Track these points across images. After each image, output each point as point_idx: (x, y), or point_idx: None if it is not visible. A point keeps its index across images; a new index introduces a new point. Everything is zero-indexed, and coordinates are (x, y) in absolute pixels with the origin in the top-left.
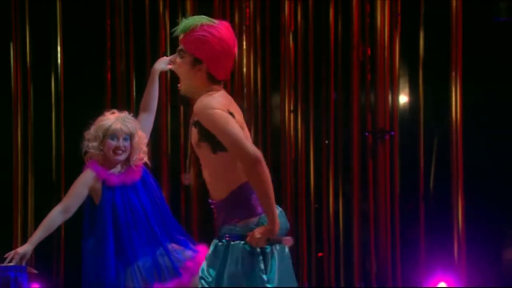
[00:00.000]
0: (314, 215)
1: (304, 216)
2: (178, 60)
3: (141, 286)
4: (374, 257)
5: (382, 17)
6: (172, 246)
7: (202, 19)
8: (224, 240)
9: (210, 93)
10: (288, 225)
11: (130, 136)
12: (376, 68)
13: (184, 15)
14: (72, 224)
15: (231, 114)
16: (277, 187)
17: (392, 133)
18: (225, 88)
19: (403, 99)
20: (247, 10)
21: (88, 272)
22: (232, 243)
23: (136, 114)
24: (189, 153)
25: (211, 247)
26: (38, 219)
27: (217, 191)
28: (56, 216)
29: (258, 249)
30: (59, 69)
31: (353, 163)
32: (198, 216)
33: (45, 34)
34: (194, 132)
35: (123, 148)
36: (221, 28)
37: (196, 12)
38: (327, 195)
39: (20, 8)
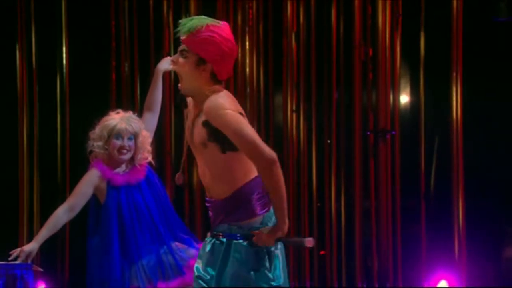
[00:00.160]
0: (316, 213)
1: (306, 214)
2: (181, 60)
3: (145, 284)
4: (375, 255)
5: (384, 18)
6: (176, 245)
7: (206, 20)
8: (223, 239)
9: (218, 93)
10: None
11: (134, 136)
12: (378, 68)
13: (188, 16)
14: (77, 223)
15: (241, 114)
16: None
17: (393, 132)
18: (228, 88)
19: (404, 98)
20: (250, 11)
21: (93, 271)
22: (234, 242)
23: (140, 114)
24: (185, 153)
25: (207, 246)
26: (44, 218)
27: (218, 191)
28: (61, 215)
29: (264, 249)
30: (64, 69)
31: (354, 162)
32: (201, 215)
33: (51, 34)
34: (201, 132)
35: (127, 148)
36: (226, 29)
37: (200, 12)
38: (329, 194)
39: (26, 9)
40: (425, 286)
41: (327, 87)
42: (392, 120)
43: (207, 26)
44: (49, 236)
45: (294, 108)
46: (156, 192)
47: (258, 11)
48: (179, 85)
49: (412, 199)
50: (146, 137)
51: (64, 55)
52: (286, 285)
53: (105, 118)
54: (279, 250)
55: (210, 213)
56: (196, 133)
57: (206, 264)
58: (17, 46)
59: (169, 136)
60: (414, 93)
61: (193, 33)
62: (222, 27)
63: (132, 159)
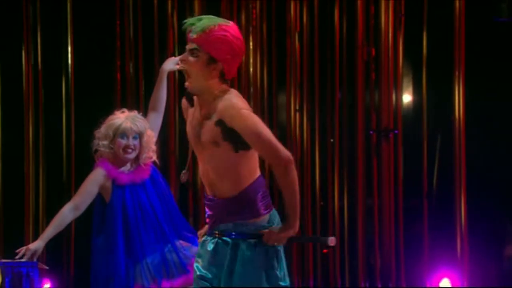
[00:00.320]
0: (320, 212)
1: (310, 213)
2: (191, 59)
3: (150, 282)
4: (378, 253)
5: (386, 18)
6: (180, 243)
7: (217, 19)
8: (228, 239)
9: (230, 93)
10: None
11: (139, 135)
12: (380, 68)
13: (192, 16)
14: (82, 221)
15: None
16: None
17: (396, 131)
18: (232, 87)
19: (407, 98)
20: (254, 11)
21: (98, 269)
22: (242, 241)
23: (145, 113)
24: (190, 151)
25: (209, 245)
26: (49, 217)
27: (224, 189)
28: (66, 214)
29: (272, 248)
30: (69, 69)
31: (357, 161)
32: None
33: (56, 34)
34: (213, 131)
35: (132, 147)
36: (236, 28)
37: (204, 12)
38: (332, 193)
39: (32, 8)
40: (428, 284)
41: (330, 86)
42: (395, 120)
43: (219, 25)
44: (54, 234)
45: (297, 107)
46: (160, 191)
47: (261, 11)
48: (187, 83)
49: (414, 198)
50: (151, 136)
51: (69, 55)
52: (291, 286)
53: (111, 117)
54: (281, 249)
55: (209, 211)
56: (207, 132)
57: (209, 263)
58: (23, 46)
59: (174, 136)
60: (416, 92)
61: (206, 32)
62: (233, 27)
63: (137, 158)
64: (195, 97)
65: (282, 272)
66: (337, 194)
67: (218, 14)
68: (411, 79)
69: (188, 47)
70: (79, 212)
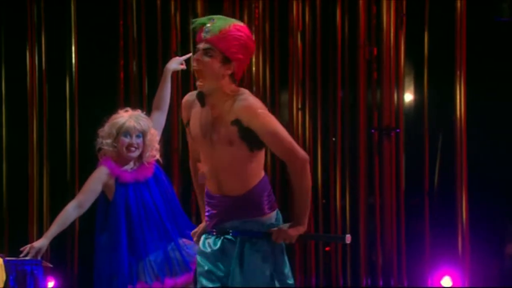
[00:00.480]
0: (322, 210)
1: (312, 211)
2: (206, 59)
3: (152, 280)
4: (380, 251)
5: (388, 18)
6: (183, 241)
7: (231, 19)
8: (235, 236)
9: (243, 93)
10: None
11: (143, 134)
12: (382, 67)
13: (195, 16)
14: (86, 219)
15: None
16: (285, 184)
17: (398, 130)
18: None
19: (408, 97)
20: (256, 11)
21: (101, 266)
22: (250, 239)
23: (148, 112)
24: (192, 152)
25: (216, 243)
26: (53, 215)
27: (234, 187)
28: (70, 212)
29: (280, 246)
30: (73, 69)
31: (359, 159)
32: None
33: (60, 34)
34: (228, 130)
35: (136, 145)
36: (248, 29)
37: (207, 12)
38: (334, 191)
39: (36, 9)
40: (429, 282)
41: (332, 85)
42: (397, 118)
43: (234, 25)
44: (58, 232)
45: (299, 106)
46: (163, 189)
47: (264, 10)
48: (199, 83)
49: (416, 196)
50: (154, 135)
51: (73, 55)
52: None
53: (114, 116)
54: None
55: (212, 210)
56: (221, 132)
57: (216, 260)
58: (27, 46)
59: (177, 134)
60: (418, 91)
61: (222, 32)
62: (245, 27)
63: (140, 156)
64: (191, 97)
65: (287, 269)
66: (339, 192)
67: (220, 13)
68: (413, 78)
69: (201, 46)
70: (82, 210)
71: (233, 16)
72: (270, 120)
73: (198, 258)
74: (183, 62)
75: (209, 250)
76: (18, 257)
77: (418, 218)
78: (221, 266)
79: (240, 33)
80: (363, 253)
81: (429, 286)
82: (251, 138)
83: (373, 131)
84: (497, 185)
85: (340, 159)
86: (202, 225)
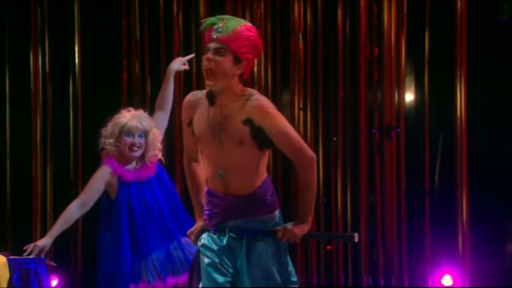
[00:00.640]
0: (323, 209)
1: (313, 210)
2: (218, 58)
3: (155, 279)
4: (381, 250)
5: (389, 18)
6: (186, 240)
7: (241, 19)
8: (241, 235)
9: (254, 92)
10: None
11: (145, 133)
12: (383, 67)
13: (197, 17)
14: (89, 218)
15: None
16: (287, 183)
17: (398, 130)
18: None
19: (409, 97)
20: (258, 11)
21: (104, 265)
22: (256, 237)
23: (151, 112)
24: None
25: (221, 241)
26: (57, 214)
27: (241, 186)
28: (73, 211)
29: (284, 244)
30: (76, 69)
31: (360, 159)
32: None
33: (63, 35)
34: (240, 130)
35: (138, 145)
36: (256, 29)
37: (209, 13)
38: (336, 190)
39: (40, 9)
40: (430, 281)
41: (334, 85)
42: (397, 118)
43: (244, 25)
44: (62, 231)
45: (301, 106)
46: (166, 188)
47: (266, 11)
48: (210, 83)
49: (416, 196)
50: (157, 134)
51: (76, 55)
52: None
53: (117, 116)
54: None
55: (215, 209)
56: (232, 131)
57: (224, 256)
58: (31, 47)
59: (179, 134)
60: (418, 91)
61: (235, 32)
62: (254, 27)
63: (142, 156)
64: (193, 97)
65: (291, 267)
66: (340, 191)
67: (222, 14)
68: (413, 78)
69: (213, 46)
70: (86, 209)
71: (234, 16)
72: (281, 119)
73: (205, 253)
74: (186, 62)
75: (215, 246)
76: (21, 255)
77: (419, 217)
78: (229, 263)
79: (250, 33)
80: (364, 252)
81: (430, 285)
82: (261, 138)
83: (374, 130)
84: (497, 184)
85: (341, 159)
86: (199, 225)
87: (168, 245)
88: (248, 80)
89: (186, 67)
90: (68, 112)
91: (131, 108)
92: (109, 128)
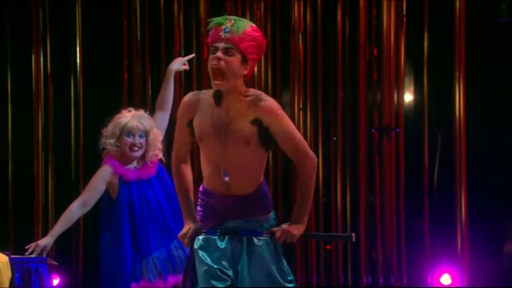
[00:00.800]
0: (323, 209)
1: (313, 210)
2: (227, 57)
3: (156, 277)
4: (380, 249)
5: (388, 19)
6: None
7: (246, 20)
8: (241, 235)
9: (260, 93)
10: None
11: (145, 133)
12: (382, 68)
13: (198, 17)
14: (90, 218)
15: None
16: (287, 183)
17: (398, 130)
18: None
19: (408, 97)
20: (258, 12)
21: (105, 264)
22: (255, 238)
23: (151, 112)
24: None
25: (223, 242)
26: (58, 213)
27: (243, 186)
28: (75, 210)
29: (281, 244)
30: (78, 69)
31: (360, 159)
32: None
33: (65, 36)
34: (248, 129)
35: (139, 145)
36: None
37: (209, 14)
38: (335, 190)
39: (41, 10)
40: (429, 280)
41: (333, 86)
42: (397, 118)
43: (251, 26)
44: (63, 230)
45: (301, 106)
46: (166, 188)
47: (266, 11)
48: (219, 82)
49: (415, 195)
50: (157, 134)
51: (77, 56)
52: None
53: (117, 116)
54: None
55: (213, 209)
56: (239, 131)
57: (224, 259)
58: (32, 48)
59: None
60: (417, 92)
61: (244, 32)
62: (259, 28)
63: (143, 156)
64: (194, 96)
65: (286, 266)
66: (340, 191)
67: (222, 15)
68: (413, 78)
69: (222, 45)
70: (87, 209)
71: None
72: (288, 121)
73: (203, 258)
74: (186, 62)
75: (214, 250)
76: (23, 255)
77: (418, 217)
78: (229, 265)
79: (257, 34)
80: (364, 252)
81: (429, 284)
82: (266, 138)
83: (373, 131)
84: (495, 184)
85: (340, 159)
86: (190, 227)
87: (169, 244)
88: (248, 80)
89: (186, 67)
90: (70, 112)
91: (131, 108)
92: (109, 128)
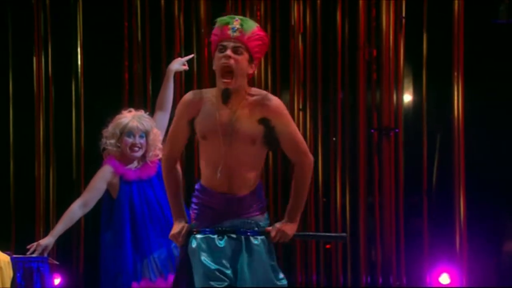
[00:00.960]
0: (322, 209)
1: (313, 210)
2: (237, 56)
3: (156, 277)
4: (379, 249)
5: (387, 20)
6: None
7: (253, 20)
8: (239, 235)
9: (264, 92)
10: None
11: (146, 134)
12: (382, 68)
13: (198, 18)
14: (91, 218)
15: None
16: (287, 183)
17: (397, 130)
18: None
19: (407, 98)
20: (258, 12)
21: (106, 263)
22: (252, 237)
23: (152, 113)
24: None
25: (221, 242)
26: (59, 213)
27: (243, 185)
28: (76, 210)
29: (274, 244)
30: (79, 70)
31: (359, 159)
32: None
33: (66, 36)
34: (255, 128)
35: (139, 145)
36: None
37: (210, 14)
38: (335, 190)
39: (43, 12)
40: (427, 279)
41: (333, 86)
42: (396, 118)
43: (257, 26)
44: (64, 230)
45: (300, 106)
46: None
47: (266, 12)
48: (227, 80)
49: (415, 195)
50: (157, 134)
51: (78, 57)
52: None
53: (118, 116)
54: None
55: (208, 209)
56: (246, 129)
57: (223, 259)
58: (34, 49)
59: None
60: (416, 92)
61: (252, 32)
62: (262, 29)
63: (143, 156)
64: (194, 95)
65: (276, 265)
66: (339, 191)
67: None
68: (412, 79)
69: (231, 44)
70: (88, 209)
71: None
72: (291, 122)
73: (201, 258)
74: (186, 62)
75: (213, 250)
76: (25, 254)
77: (417, 217)
78: (229, 264)
79: (262, 34)
80: (363, 251)
81: (428, 283)
82: (270, 137)
83: (372, 131)
84: (494, 184)
85: (340, 159)
86: (183, 226)
87: (170, 243)
88: (248, 80)
89: (186, 67)
90: (71, 113)
91: (131, 109)
92: (110, 129)
